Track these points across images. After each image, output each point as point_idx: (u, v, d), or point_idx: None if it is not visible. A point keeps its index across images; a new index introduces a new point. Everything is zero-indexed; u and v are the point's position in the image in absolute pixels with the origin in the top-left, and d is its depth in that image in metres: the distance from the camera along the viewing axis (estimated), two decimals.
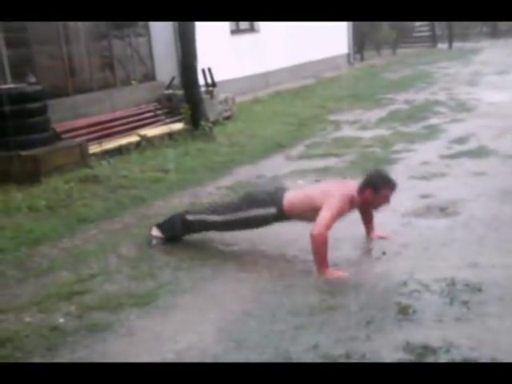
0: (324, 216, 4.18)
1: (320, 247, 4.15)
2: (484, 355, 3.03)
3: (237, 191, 6.06)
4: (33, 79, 7.45)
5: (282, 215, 4.50)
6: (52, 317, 3.78)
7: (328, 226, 4.16)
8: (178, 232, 4.89)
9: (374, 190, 4.31)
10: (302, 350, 3.19)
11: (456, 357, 3.02)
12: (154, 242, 4.90)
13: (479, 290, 3.74)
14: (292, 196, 4.52)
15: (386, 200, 4.38)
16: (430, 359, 3.02)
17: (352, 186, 4.47)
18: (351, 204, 4.35)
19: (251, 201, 4.61)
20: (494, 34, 25.95)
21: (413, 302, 3.65)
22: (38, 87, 7.38)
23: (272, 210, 4.49)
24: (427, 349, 3.11)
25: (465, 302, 3.59)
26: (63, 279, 4.33)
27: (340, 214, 4.25)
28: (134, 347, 3.38)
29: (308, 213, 4.36)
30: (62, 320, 3.74)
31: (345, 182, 4.55)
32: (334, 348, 3.20)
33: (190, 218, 4.82)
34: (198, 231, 4.85)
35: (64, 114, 8.34)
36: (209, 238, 4.95)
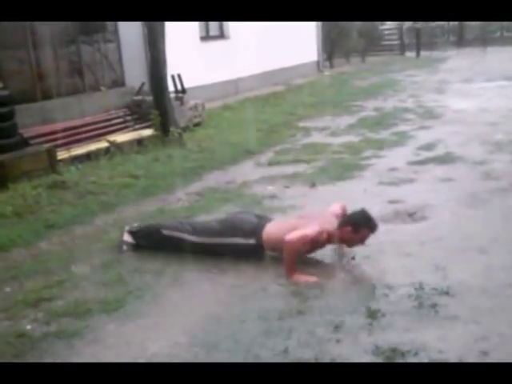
0: (301, 231, 4.21)
1: (290, 253, 4.18)
2: (451, 357, 3.07)
3: (217, 215, 6.01)
4: (0, 84, 7.35)
5: (261, 248, 4.45)
6: (19, 324, 3.73)
7: (302, 240, 4.18)
8: (149, 243, 4.81)
9: (354, 229, 4.29)
10: (271, 355, 3.20)
11: (424, 359, 3.06)
12: (125, 247, 4.86)
13: (447, 293, 3.79)
14: (273, 227, 4.47)
15: (362, 241, 4.36)
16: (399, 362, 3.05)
17: (332, 221, 4.41)
18: (329, 239, 4.36)
19: (232, 228, 4.53)
20: (461, 43, 26.44)
21: (381, 305, 3.68)
22: (5, 92, 7.31)
23: (251, 242, 4.44)
24: (396, 352, 3.14)
25: (433, 306, 3.63)
26: (30, 286, 4.26)
27: (315, 241, 4.26)
28: (103, 353, 3.34)
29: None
30: (29, 327, 3.68)
31: (326, 216, 4.51)
32: (303, 352, 3.21)
33: (166, 232, 4.73)
34: (171, 247, 4.70)
35: (32, 120, 8.24)
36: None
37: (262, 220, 4.62)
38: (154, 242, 4.80)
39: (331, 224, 4.39)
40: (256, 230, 4.47)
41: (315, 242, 4.31)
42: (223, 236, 4.53)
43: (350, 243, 4.42)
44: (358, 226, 4.30)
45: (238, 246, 4.48)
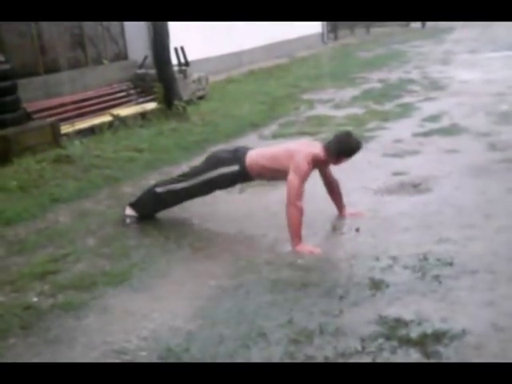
0: (293, 184, 4.21)
1: (295, 220, 4.18)
2: (454, 327, 3.09)
3: None
4: (1, 58, 7.29)
5: (246, 173, 4.52)
6: (25, 296, 3.76)
7: (299, 194, 4.21)
8: (150, 208, 4.87)
9: (348, 155, 4.41)
10: (275, 326, 3.22)
11: (428, 329, 3.07)
12: (128, 220, 4.89)
13: (450, 264, 3.80)
14: (255, 154, 4.55)
15: (347, 160, 4.47)
16: (402, 332, 3.06)
17: (317, 145, 4.50)
18: (316, 163, 4.39)
19: (214, 161, 4.64)
20: None
21: (385, 277, 3.69)
22: (7, 66, 7.25)
23: (235, 168, 4.51)
24: (399, 322, 3.16)
25: (436, 277, 3.64)
26: (36, 259, 4.29)
27: (307, 174, 4.30)
28: (109, 325, 3.37)
29: (272, 172, 4.45)
30: (35, 299, 3.71)
31: (309, 142, 4.58)
32: (307, 323, 3.23)
33: (159, 190, 4.82)
34: (170, 203, 4.84)
35: (35, 94, 8.21)
36: (183, 217, 4.95)
37: (242, 148, 4.71)
38: (153, 206, 4.88)
39: (315, 147, 4.44)
40: (237, 156, 4.55)
41: (308, 175, 4.31)
42: (209, 171, 4.61)
43: (339, 163, 4.50)
44: (351, 152, 4.40)
45: (224, 176, 4.56)
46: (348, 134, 4.52)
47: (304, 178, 4.25)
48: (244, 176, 4.57)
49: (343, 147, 4.37)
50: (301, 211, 4.18)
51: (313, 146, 4.50)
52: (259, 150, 4.65)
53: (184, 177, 4.80)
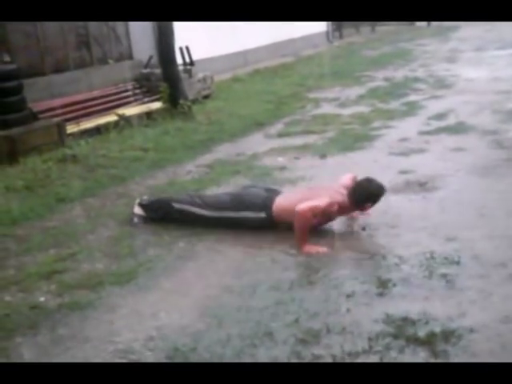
0: (312, 202, 4.22)
1: (302, 224, 4.18)
2: (462, 326, 3.07)
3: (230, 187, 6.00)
4: (7, 58, 7.33)
5: (271, 221, 4.46)
6: (32, 296, 3.76)
7: (313, 210, 4.19)
8: (160, 216, 4.82)
9: (374, 202, 4.38)
10: (282, 325, 3.21)
11: (435, 328, 3.06)
12: (136, 220, 4.87)
13: (457, 263, 3.78)
14: (282, 200, 4.48)
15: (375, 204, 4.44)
16: (410, 331, 3.05)
17: (342, 193, 4.43)
18: (340, 212, 4.40)
19: (242, 203, 4.55)
20: None
21: (392, 275, 3.68)
22: (13, 66, 7.27)
23: (261, 215, 4.46)
24: (406, 320, 3.15)
25: (443, 275, 3.63)
26: (43, 258, 4.30)
27: (326, 212, 4.27)
28: (115, 324, 3.37)
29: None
30: (42, 299, 3.72)
31: (336, 187, 4.52)
32: (314, 322, 3.22)
33: (176, 206, 4.75)
34: (182, 220, 4.72)
35: (40, 94, 8.21)
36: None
37: (272, 193, 4.63)
38: (164, 215, 4.82)
39: (341, 195, 4.39)
40: (266, 204, 4.48)
41: (326, 214, 4.31)
42: (233, 210, 4.54)
43: (365, 212, 4.49)
44: (376, 199, 4.37)
45: (249, 220, 4.49)
46: (368, 180, 4.44)
47: (322, 208, 4.23)
48: (268, 223, 4.47)
49: (370, 195, 4.35)
50: (308, 220, 4.18)
51: (338, 194, 4.41)
52: (287, 196, 4.55)
53: (205, 203, 4.66)
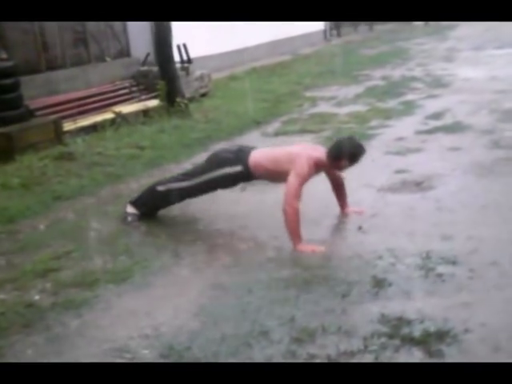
0: (291, 185, 4.19)
1: (292, 220, 4.15)
2: (457, 326, 3.08)
3: None
4: (4, 55, 7.30)
5: (248, 173, 4.51)
6: (27, 294, 3.75)
7: (297, 195, 4.18)
8: (151, 206, 4.86)
9: (350, 160, 4.34)
10: (277, 324, 3.21)
11: (430, 328, 3.06)
12: (129, 218, 4.87)
13: (453, 263, 3.78)
14: (258, 154, 4.53)
15: (353, 164, 4.41)
16: (405, 330, 3.05)
17: (319, 149, 4.48)
18: (317, 167, 4.37)
19: (217, 161, 4.62)
20: None
21: (388, 275, 3.67)
22: (10, 63, 7.26)
23: (238, 168, 4.50)
24: (402, 320, 3.15)
25: (439, 275, 3.63)
26: (38, 256, 4.28)
27: (307, 178, 4.27)
28: (111, 323, 3.37)
29: (273, 174, 4.44)
30: (37, 297, 3.71)
31: (312, 145, 4.56)
32: (309, 321, 3.22)
33: (160, 188, 4.80)
34: (171, 201, 4.80)
35: (37, 91, 8.21)
36: (185, 214, 4.94)
37: (245, 148, 4.68)
38: (154, 204, 4.86)
39: (319, 152, 4.41)
40: (239, 157, 4.53)
41: (307, 179, 4.29)
42: (211, 171, 4.60)
43: (342, 169, 4.48)
44: (353, 157, 4.33)
45: (227, 176, 4.54)
46: (350, 138, 4.51)
47: (303, 181, 4.23)
48: (246, 176, 4.55)
49: (345, 151, 4.32)
50: (296, 211, 4.15)
51: (315, 150, 4.48)
52: (262, 151, 4.63)
53: (186, 176, 4.78)
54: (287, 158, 4.36)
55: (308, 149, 4.53)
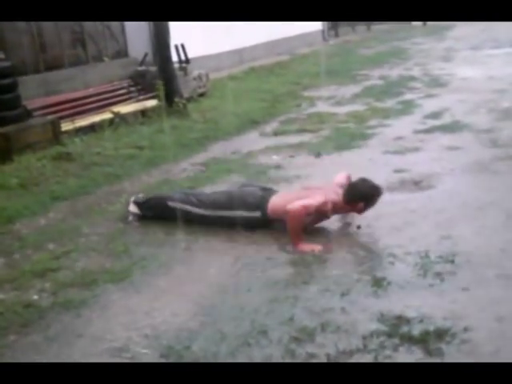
0: (305, 200, 4.22)
1: (295, 223, 4.18)
2: (456, 325, 3.08)
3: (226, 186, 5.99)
4: (1, 55, 7.28)
5: (266, 219, 4.45)
6: (26, 294, 3.75)
7: (305, 208, 4.18)
8: (156, 214, 4.81)
9: (366, 202, 4.35)
10: (277, 323, 3.21)
11: (429, 327, 3.06)
12: (131, 218, 4.86)
13: (452, 262, 3.78)
14: (278, 199, 4.47)
15: (373, 206, 4.42)
16: (404, 329, 3.05)
17: (337, 192, 4.43)
18: (334, 211, 4.38)
19: (239, 202, 4.53)
20: None
21: (387, 274, 3.67)
22: (8, 63, 7.24)
23: (256, 214, 4.45)
24: (401, 319, 3.15)
25: (438, 274, 3.63)
26: (37, 256, 4.28)
27: (320, 210, 4.27)
28: (110, 323, 3.36)
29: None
30: (36, 297, 3.70)
31: (331, 187, 4.53)
32: (309, 320, 3.21)
33: (171, 204, 4.73)
34: (178, 219, 4.69)
35: (35, 91, 8.20)
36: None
37: (267, 192, 4.62)
38: (159, 213, 4.81)
39: (337, 194, 4.39)
40: (261, 203, 4.47)
41: (320, 212, 4.31)
42: (228, 209, 4.53)
43: (362, 212, 4.45)
44: (369, 199, 4.34)
45: (244, 219, 4.48)
46: (363, 180, 4.44)
47: (315, 207, 4.22)
48: (263, 223, 4.47)
49: (365, 196, 4.33)
50: (300, 217, 4.17)
51: (334, 192, 4.42)
52: (282, 195, 4.55)
53: (201, 203, 4.64)
54: (307, 193, 4.38)
55: (329, 191, 4.45)
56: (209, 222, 4.60)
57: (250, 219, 4.47)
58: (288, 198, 4.40)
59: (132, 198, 4.98)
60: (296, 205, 4.18)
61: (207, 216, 4.60)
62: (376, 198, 4.39)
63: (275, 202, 4.45)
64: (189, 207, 4.67)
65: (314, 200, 4.24)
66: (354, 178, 4.56)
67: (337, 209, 4.39)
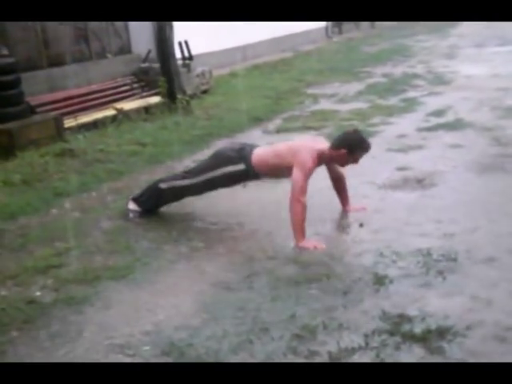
0: (297, 179, 4.19)
1: (298, 214, 4.14)
2: (458, 323, 3.07)
3: None
4: (5, 51, 7.29)
5: (251, 171, 4.48)
6: (28, 290, 3.75)
7: (303, 190, 4.17)
8: (153, 203, 4.85)
9: (349, 151, 4.28)
10: (279, 321, 3.21)
11: (431, 325, 3.06)
12: (131, 215, 4.87)
13: (454, 259, 3.78)
14: (260, 152, 4.51)
15: (356, 161, 4.38)
16: (406, 327, 3.05)
17: (321, 142, 4.47)
18: (320, 160, 4.34)
19: (220, 159, 4.59)
20: None
21: (389, 272, 3.67)
22: (11, 59, 7.25)
23: (241, 167, 4.48)
24: (403, 317, 3.15)
25: (440, 272, 3.63)
26: (39, 253, 4.29)
27: (311, 171, 4.26)
28: (112, 319, 3.37)
29: (276, 170, 4.42)
30: (38, 293, 3.71)
31: (314, 138, 4.56)
32: (311, 318, 3.21)
33: (163, 186, 4.79)
34: (173, 199, 4.81)
35: (38, 88, 8.20)
36: (186, 211, 4.94)
37: (247, 146, 4.65)
38: (156, 202, 4.85)
39: (322, 143, 4.41)
40: (242, 155, 4.50)
41: (311, 172, 4.27)
42: (214, 169, 4.57)
43: (344, 164, 4.43)
44: (352, 148, 4.28)
45: (230, 174, 4.52)
46: (356, 132, 4.46)
47: (308, 174, 4.22)
48: (250, 175, 4.52)
49: (349, 144, 4.28)
50: (304, 207, 4.15)
51: (318, 142, 4.47)
52: (264, 148, 4.62)
53: (188, 173, 4.77)
54: (289, 152, 4.34)
55: (310, 141, 4.53)
56: (200, 189, 4.68)
57: (236, 173, 4.51)
58: (271, 151, 4.49)
59: (130, 196, 5.00)
60: (295, 195, 4.15)
61: (196, 184, 4.65)
62: (359, 150, 4.30)
63: (259, 154, 4.48)
64: (178, 182, 4.74)
65: (303, 169, 4.19)
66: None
67: (321, 156, 4.33)
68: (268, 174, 4.53)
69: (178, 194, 4.75)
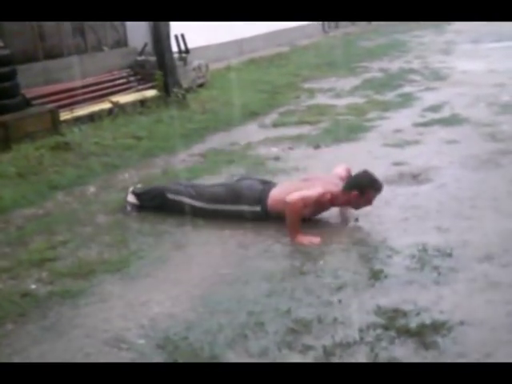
0: (304, 192, 4.22)
1: (293, 214, 4.17)
2: (453, 318, 3.08)
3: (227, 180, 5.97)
4: (0, 43, 7.25)
5: (264, 214, 4.44)
6: (23, 283, 3.75)
7: (304, 201, 4.18)
8: (155, 205, 4.80)
9: (361, 192, 4.29)
10: (274, 315, 3.21)
11: (426, 320, 3.07)
12: (129, 208, 4.85)
13: (449, 255, 3.79)
14: (277, 192, 4.45)
15: (370, 202, 4.38)
16: (401, 322, 3.06)
17: (336, 183, 4.43)
18: (332, 202, 4.36)
19: (237, 197, 4.51)
20: None
21: (384, 267, 3.68)
22: (6, 51, 7.21)
23: (256, 209, 4.45)
24: (398, 312, 3.15)
25: (435, 267, 3.64)
26: (34, 246, 4.28)
27: (318, 202, 4.27)
28: (107, 313, 3.37)
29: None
30: (33, 286, 3.71)
31: (330, 178, 4.52)
32: (306, 312, 3.22)
33: (170, 196, 4.72)
34: (176, 210, 4.69)
35: (34, 80, 8.15)
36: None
37: (267, 186, 4.60)
38: (158, 205, 4.80)
39: (336, 186, 4.38)
40: (261, 198, 4.46)
41: (318, 204, 4.31)
42: (228, 203, 4.52)
43: (357, 206, 4.42)
44: (364, 189, 4.30)
45: (244, 213, 4.48)
46: (365, 172, 4.41)
47: (314, 199, 4.23)
48: (262, 217, 4.45)
49: (360, 185, 4.29)
50: (298, 209, 4.17)
51: (332, 185, 4.41)
52: (280, 188, 4.50)
53: (200, 196, 4.61)
54: (305, 186, 4.36)
55: (328, 182, 4.45)
56: (207, 215, 4.59)
57: (250, 213, 4.47)
58: (287, 191, 4.38)
59: (130, 189, 4.97)
60: (294, 197, 4.18)
61: (206, 209, 4.59)
62: (371, 190, 4.34)
63: (274, 195, 4.44)
64: (187, 200, 4.65)
65: (312, 191, 4.24)
66: (354, 171, 4.55)
67: (335, 200, 4.37)
68: (281, 211, 4.30)
69: (183, 209, 4.65)
